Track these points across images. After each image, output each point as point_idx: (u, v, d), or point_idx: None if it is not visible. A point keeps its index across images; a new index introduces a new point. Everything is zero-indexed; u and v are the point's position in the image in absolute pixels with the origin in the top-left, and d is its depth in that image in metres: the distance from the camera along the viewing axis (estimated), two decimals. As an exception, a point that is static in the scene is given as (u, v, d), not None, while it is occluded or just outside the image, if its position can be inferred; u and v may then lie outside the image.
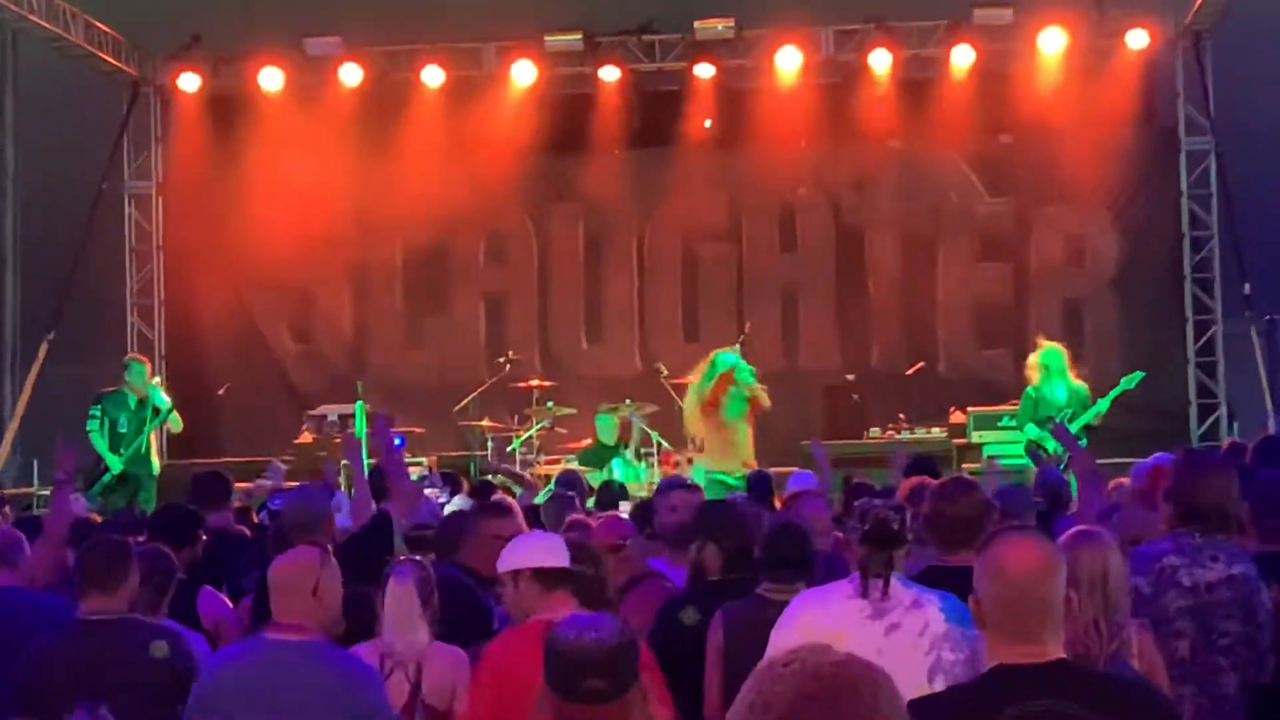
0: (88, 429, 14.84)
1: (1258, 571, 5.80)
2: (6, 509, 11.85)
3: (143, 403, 15.00)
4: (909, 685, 4.14)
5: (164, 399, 15.20)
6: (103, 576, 6.05)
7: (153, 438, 15.38)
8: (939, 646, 5.00)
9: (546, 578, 5.51)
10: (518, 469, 15.48)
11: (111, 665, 5.86)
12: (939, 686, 4.69)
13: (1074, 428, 13.16)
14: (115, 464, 14.78)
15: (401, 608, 5.97)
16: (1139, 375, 14.48)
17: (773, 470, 12.25)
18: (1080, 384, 14.32)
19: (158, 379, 15.91)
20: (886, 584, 5.11)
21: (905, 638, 5.02)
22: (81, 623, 6.07)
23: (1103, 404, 14.03)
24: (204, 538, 8.33)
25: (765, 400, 15.18)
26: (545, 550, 5.61)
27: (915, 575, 5.72)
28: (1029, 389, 14.42)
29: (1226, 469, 6.06)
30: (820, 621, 5.08)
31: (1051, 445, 13.60)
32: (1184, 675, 5.55)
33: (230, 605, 7.59)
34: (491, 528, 7.00)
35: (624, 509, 10.04)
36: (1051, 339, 15.27)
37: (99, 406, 15.00)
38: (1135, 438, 15.18)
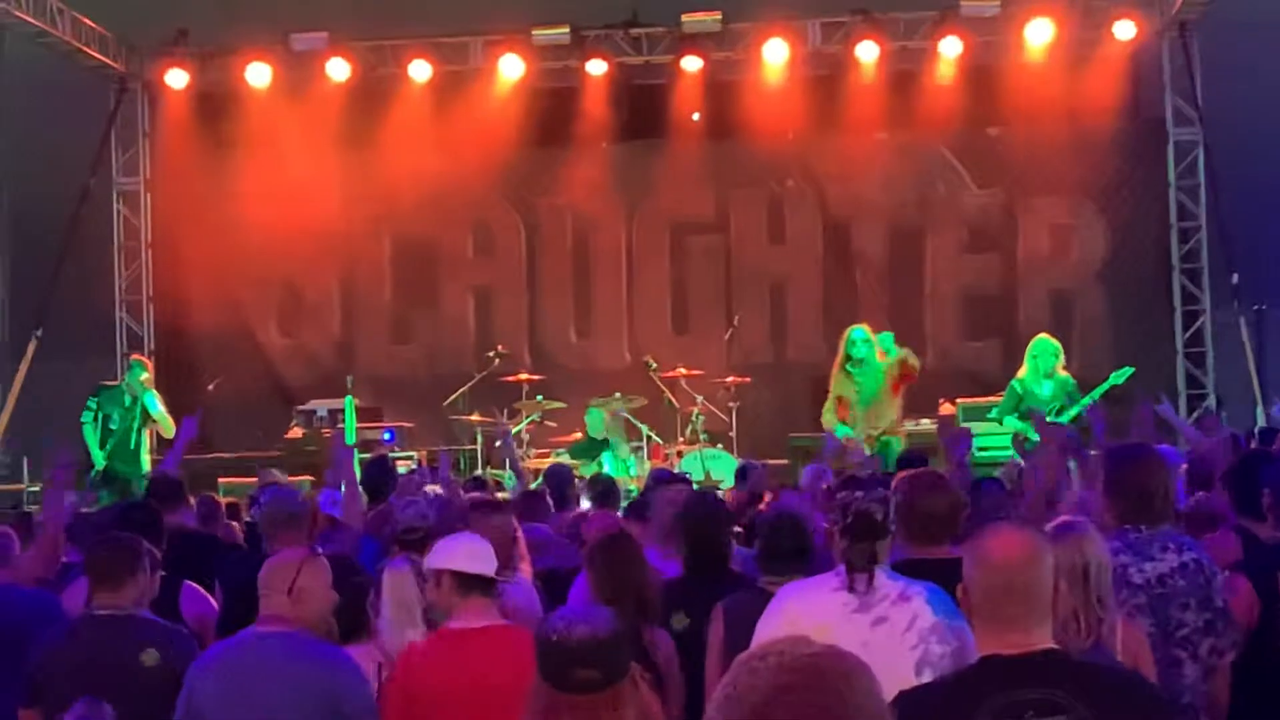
0: (81, 420, 14.80)
1: (1272, 557, 5.78)
2: None
3: (136, 402, 14.95)
4: (896, 679, 4.15)
5: (157, 405, 15.08)
6: (113, 572, 6.08)
7: (145, 437, 15.34)
8: (926, 640, 4.96)
9: (464, 582, 5.51)
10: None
11: (116, 662, 5.90)
12: (926, 680, 4.65)
13: (1062, 420, 13.16)
14: (99, 459, 14.75)
15: (397, 603, 6.00)
16: (1128, 370, 14.40)
17: (763, 462, 12.26)
18: (1067, 376, 14.31)
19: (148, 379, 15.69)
20: (871, 577, 5.08)
21: (892, 631, 4.98)
22: (90, 618, 6.10)
23: (1090, 398, 14.00)
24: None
25: (914, 363, 14.77)
26: (468, 554, 5.58)
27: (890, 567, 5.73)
28: (1014, 381, 14.41)
29: (1160, 458, 5.93)
30: (805, 615, 5.04)
31: (1036, 438, 13.60)
32: None
33: (214, 602, 7.59)
34: (483, 526, 6.96)
35: (584, 502, 10.19)
36: (1039, 330, 15.25)
37: (96, 400, 14.94)
38: (1122, 428, 15.18)
